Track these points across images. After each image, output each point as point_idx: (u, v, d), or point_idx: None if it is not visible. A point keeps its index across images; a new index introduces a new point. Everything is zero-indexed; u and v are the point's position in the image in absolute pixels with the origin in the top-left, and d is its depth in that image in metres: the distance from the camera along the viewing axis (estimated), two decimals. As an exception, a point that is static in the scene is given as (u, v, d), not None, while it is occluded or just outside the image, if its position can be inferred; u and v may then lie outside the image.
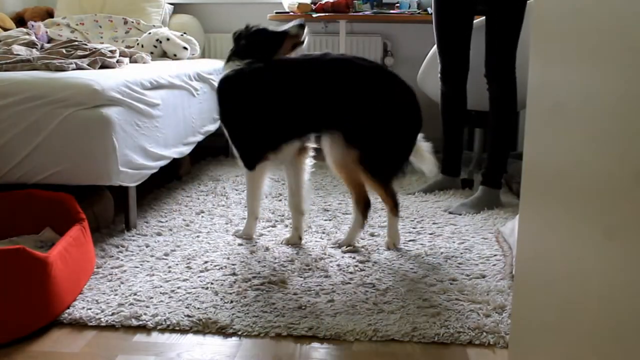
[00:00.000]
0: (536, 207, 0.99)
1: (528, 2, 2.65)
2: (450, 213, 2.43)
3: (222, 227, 2.23)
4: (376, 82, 1.99)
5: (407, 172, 3.13)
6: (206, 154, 3.53)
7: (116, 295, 1.65)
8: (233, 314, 1.54)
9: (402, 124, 2.00)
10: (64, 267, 1.55)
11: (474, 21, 2.66)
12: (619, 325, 0.68)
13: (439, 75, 2.70)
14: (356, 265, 1.86)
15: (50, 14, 3.63)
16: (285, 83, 2.01)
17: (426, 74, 3.05)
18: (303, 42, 2.14)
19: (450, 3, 2.56)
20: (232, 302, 1.61)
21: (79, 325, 1.52)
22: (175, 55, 3.21)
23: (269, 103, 1.99)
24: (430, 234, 2.17)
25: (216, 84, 2.14)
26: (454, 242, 2.07)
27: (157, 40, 3.20)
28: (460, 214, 2.41)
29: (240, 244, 2.05)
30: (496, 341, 1.42)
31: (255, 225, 2.15)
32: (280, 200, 2.58)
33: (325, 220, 2.34)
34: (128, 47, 3.19)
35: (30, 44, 2.56)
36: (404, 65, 3.77)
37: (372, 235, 2.15)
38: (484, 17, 2.56)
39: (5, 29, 3.10)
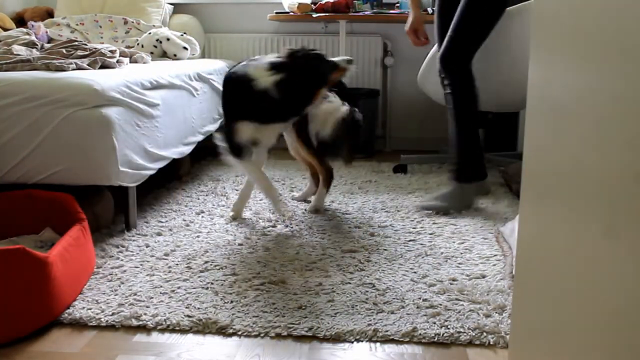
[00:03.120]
0: (536, 207, 0.99)
1: (528, 1, 2.65)
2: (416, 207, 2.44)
3: (222, 227, 2.23)
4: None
5: (408, 172, 3.14)
6: (206, 154, 3.53)
7: (116, 295, 1.65)
8: (233, 314, 1.54)
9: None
10: (64, 267, 1.55)
11: None
12: (619, 325, 0.68)
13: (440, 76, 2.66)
14: (356, 265, 1.86)
15: (50, 14, 3.63)
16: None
17: (426, 74, 3.05)
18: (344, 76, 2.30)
19: (453, 4, 2.54)
20: (232, 302, 1.61)
21: (79, 325, 1.52)
22: (175, 55, 3.21)
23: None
24: (430, 234, 2.17)
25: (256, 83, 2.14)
26: (454, 242, 2.07)
27: (157, 40, 3.20)
28: (429, 210, 2.41)
29: (240, 244, 2.05)
30: (496, 341, 1.42)
31: (283, 203, 2.34)
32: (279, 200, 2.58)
33: (325, 220, 2.34)
34: (128, 47, 3.19)
35: (30, 44, 2.56)
36: (404, 65, 3.78)
37: (372, 235, 2.15)
38: None
39: (5, 29, 3.10)
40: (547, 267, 0.91)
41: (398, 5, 3.59)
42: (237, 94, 2.20)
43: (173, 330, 1.49)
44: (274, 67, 2.13)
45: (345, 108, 2.38)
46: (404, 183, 2.93)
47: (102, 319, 1.52)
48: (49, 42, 3.02)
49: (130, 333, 1.48)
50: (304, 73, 2.17)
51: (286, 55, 2.20)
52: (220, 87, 3.19)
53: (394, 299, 1.62)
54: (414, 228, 2.23)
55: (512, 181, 2.76)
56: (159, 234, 2.15)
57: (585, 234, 0.76)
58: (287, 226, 2.25)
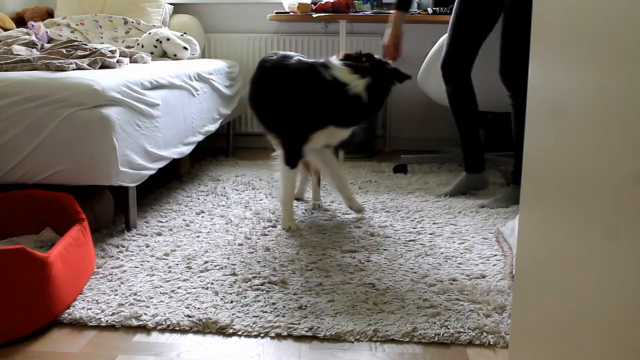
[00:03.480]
0: (536, 207, 0.99)
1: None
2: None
3: (222, 227, 2.23)
4: None
5: (408, 172, 3.14)
6: (206, 154, 3.53)
7: (116, 295, 1.65)
8: (233, 314, 1.54)
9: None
10: (64, 267, 1.55)
11: None
12: (619, 325, 0.68)
13: (441, 69, 2.65)
14: (356, 265, 1.86)
15: (50, 14, 3.63)
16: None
17: (426, 74, 3.05)
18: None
19: (473, 12, 2.55)
20: (232, 302, 1.61)
21: (79, 325, 1.52)
22: (175, 55, 3.21)
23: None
24: (430, 234, 2.17)
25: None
26: (454, 242, 2.07)
27: (157, 40, 3.20)
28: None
29: (240, 244, 2.05)
30: (496, 341, 1.42)
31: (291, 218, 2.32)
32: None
33: (325, 220, 2.34)
34: (128, 47, 3.19)
35: (30, 44, 2.56)
36: (404, 65, 3.76)
37: (372, 235, 2.15)
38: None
39: (5, 29, 3.11)
40: (547, 267, 0.91)
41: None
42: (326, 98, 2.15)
43: (173, 330, 1.49)
44: (360, 71, 2.15)
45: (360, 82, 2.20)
46: (404, 183, 2.93)
47: (102, 319, 1.52)
48: (49, 42, 3.02)
49: (130, 333, 1.48)
50: (385, 77, 2.21)
51: (362, 59, 2.22)
52: (220, 87, 3.19)
53: (394, 299, 1.62)
54: (414, 228, 2.23)
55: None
56: (159, 234, 2.15)
57: (585, 234, 0.76)
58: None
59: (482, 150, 2.73)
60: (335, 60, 2.20)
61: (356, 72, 2.13)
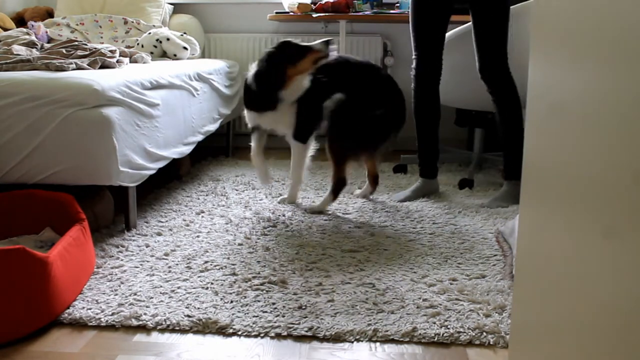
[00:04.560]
0: (536, 207, 0.99)
1: (528, 1, 2.65)
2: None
3: (222, 227, 2.23)
4: None
5: (408, 172, 3.14)
6: (206, 154, 3.53)
7: (116, 295, 1.65)
8: (233, 314, 1.54)
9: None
10: (64, 267, 1.55)
11: (467, 23, 2.67)
12: (619, 324, 0.68)
13: (413, 74, 2.66)
14: (356, 265, 1.86)
15: (50, 14, 3.63)
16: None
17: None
18: (327, 56, 2.38)
19: (428, 1, 2.56)
20: (232, 302, 1.61)
21: (79, 325, 1.52)
22: (175, 55, 3.21)
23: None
24: (430, 234, 2.17)
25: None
26: (454, 242, 2.07)
27: (157, 40, 3.20)
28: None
29: (240, 244, 2.05)
30: (496, 341, 1.42)
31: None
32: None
33: (325, 220, 2.34)
34: (128, 47, 3.19)
35: (30, 44, 2.56)
36: (404, 65, 3.77)
37: (372, 235, 2.15)
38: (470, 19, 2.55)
39: (5, 29, 3.10)
40: (547, 267, 0.91)
41: (398, 5, 3.59)
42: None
43: (173, 330, 1.49)
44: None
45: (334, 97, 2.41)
46: (404, 183, 2.93)
47: (102, 319, 1.52)
48: (49, 42, 3.02)
49: (130, 333, 1.48)
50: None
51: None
52: (220, 87, 3.20)
53: (394, 299, 1.62)
54: (414, 228, 2.23)
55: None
56: (159, 234, 2.15)
57: (585, 234, 0.76)
58: (287, 226, 2.25)
59: (438, 155, 2.74)
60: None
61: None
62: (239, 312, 1.55)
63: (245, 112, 2.50)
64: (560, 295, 0.86)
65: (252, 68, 2.43)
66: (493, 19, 2.45)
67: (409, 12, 2.62)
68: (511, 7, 2.51)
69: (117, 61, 2.45)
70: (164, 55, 3.24)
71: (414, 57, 2.65)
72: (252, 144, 2.55)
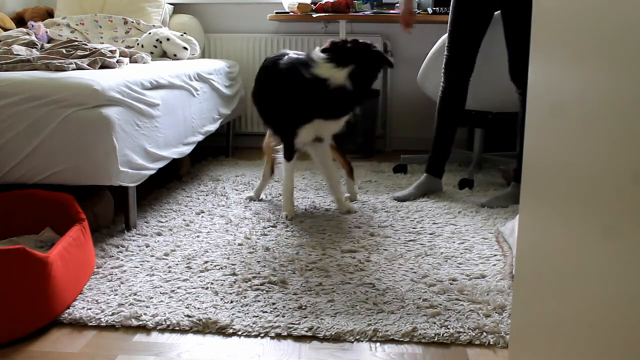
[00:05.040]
0: (536, 207, 0.99)
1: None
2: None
3: (222, 227, 2.23)
4: None
5: (408, 172, 3.14)
6: (206, 154, 3.53)
7: (116, 295, 1.65)
8: (233, 314, 1.54)
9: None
10: (64, 267, 1.55)
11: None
12: (619, 325, 0.68)
13: (443, 70, 2.66)
14: (356, 265, 1.86)
15: (50, 14, 3.63)
16: None
17: (426, 74, 3.05)
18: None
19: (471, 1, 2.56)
20: (232, 302, 1.61)
21: (79, 325, 1.52)
22: (175, 55, 3.21)
23: None
24: (430, 234, 2.17)
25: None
26: (454, 242, 2.07)
27: (157, 40, 3.20)
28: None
29: (240, 244, 2.05)
30: (496, 341, 1.42)
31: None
32: (280, 201, 2.58)
33: (325, 220, 2.34)
34: (128, 47, 3.19)
35: (30, 44, 2.56)
36: (404, 65, 3.78)
37: (372, 235, 2.15)
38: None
39: (5, 29, 3.10)
40: (547, 267, 0.91)
41: (398, 5, 3.59)
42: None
43: (173, 330, 1.49)
44: (341, 61, 2.23)
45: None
46: (404, 183, 2.93)
47: (102, 319, 1.52)
48: (49, 42, 3.02)
49: (130, 333, 1.48)
50: (369, 61, 2.29)
51: (347, 45, 2.29)
52: (220, 87, 3.20)
53: (394, 299, 1.62)
54: (414, 228, 2.23)
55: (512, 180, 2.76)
56: (159, 234, 2.15)
57: (585, 234, 0.76)
58: (287, 226, 2.25)
59: (449, 156, 2.75)
60: (317, 53, 2.27)
61: (337, 64, 2.20)
62: (239, 312, 1.55)
63: (301, 131, 2.27)
64: (560, 295, 0.86)
65: (337, 69, 2.19)
66: (524, 20, 2.45)
67: (450, 11, 2.62)
68: None
69: (117, 61, 2.45)
70: (164, 55, 3.24)
71: (445, 55, 2.64)
72: (287, 172, 2.37)
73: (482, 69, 2.65)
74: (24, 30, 2.96)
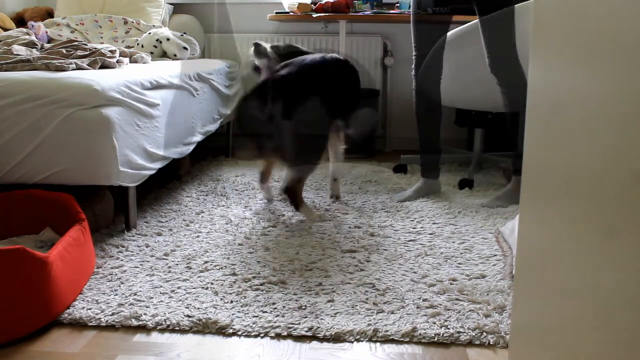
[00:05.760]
0: (536, 207, 0.99)
1: (528, 1, 2.65)
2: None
3: (222, 227, 2.23)
4: None
5: (408, 172, 3.14)
6: (206, 154, 3.53)
7: (116, 295, 1.65)
8: (233, 314, 1.54)
9: None
10: (64, 267, 1.55)
11: (468, 23, 2.67)
12: (619, 325, 0.68)
13: (412, 72, 2.68)
14: (356, 265, 1.86)
15: (50, 14, 3.63)
16: None
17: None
18: None
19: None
20: (232, 302, 1.61)
21: (79, 325, 1.52)
22: (175, 55, 3.21)
23: None
24: (430, 234, 2.17)
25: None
26: (454, 242, 2.07)
27: (157, 40, 3.20)
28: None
29: (240, 244, 2.05)
30: (496, 341, 1.42)
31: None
32: (280, 201, 2.58)
33: (325, 220, 2.34)
34: (128, 47, 3.19)
35: (30, 44, 2.56)
36: (404, 65, 3.77)
37: (372, 235, 2.15)
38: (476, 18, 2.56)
39: (5, 29, 3.10)
40: (547, 267, 0.91)
41: (398, 5, 3.59)
42: None
43: (173, 330, 1.49)
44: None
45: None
46: (404, 183, 2.93)
47: (102, 319, 1.52)
48: (49, 42, 3.02)
49: (130, 333, 1.48)
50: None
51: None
52: (220, 87, 3.19)
53: (394, 299, 1.62)
54: (414, 228, 2.23)
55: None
56: (159, 234, 2.15)
57: (585, 234, 0.76)
58: (287, 226, 2.25)
59: (440, 155, 2.75)
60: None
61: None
62: (238, 312, 1.55)
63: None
64: (560, 295, 0.86)
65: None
66: (497, 8, 2.44)
67: (410, 12, 2.63)
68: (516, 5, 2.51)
69: (117, 61, 2.45)
70: (164, 55, 3.23)
71: (414, 56, 2.65)
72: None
73: (482, 69, 2.65)
74: (24, 30, 2.96)
